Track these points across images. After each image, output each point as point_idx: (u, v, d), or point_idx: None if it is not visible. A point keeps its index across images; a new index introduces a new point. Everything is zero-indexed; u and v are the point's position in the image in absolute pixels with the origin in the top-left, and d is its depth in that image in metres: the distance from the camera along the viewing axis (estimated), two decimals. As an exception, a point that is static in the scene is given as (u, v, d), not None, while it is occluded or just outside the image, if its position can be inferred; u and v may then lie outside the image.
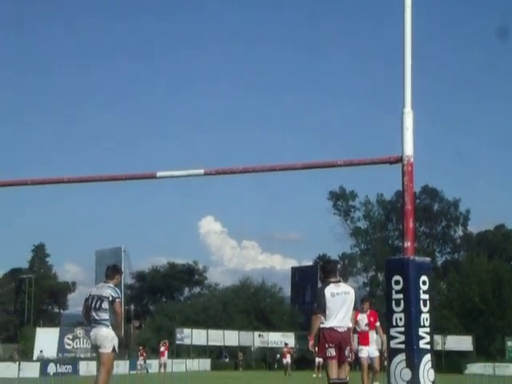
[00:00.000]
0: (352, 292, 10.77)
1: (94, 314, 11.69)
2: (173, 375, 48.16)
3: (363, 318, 17.09)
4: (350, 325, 10.67)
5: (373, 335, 17.51)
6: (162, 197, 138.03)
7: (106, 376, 11.64)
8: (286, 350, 51.73)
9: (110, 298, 11.62)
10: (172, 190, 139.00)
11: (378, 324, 17.47)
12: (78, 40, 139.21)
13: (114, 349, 11.66)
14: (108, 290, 11.73)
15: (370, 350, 17.29)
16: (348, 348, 10.73)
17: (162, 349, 52.00)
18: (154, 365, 57.10)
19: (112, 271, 12.24)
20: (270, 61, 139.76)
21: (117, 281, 12.12)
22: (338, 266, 11.84)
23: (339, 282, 10.77)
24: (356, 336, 17.07)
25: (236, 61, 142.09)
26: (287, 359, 49.71)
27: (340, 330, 10.48)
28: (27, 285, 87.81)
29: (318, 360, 40.37)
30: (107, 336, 11.60)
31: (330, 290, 10.52)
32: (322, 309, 10.49)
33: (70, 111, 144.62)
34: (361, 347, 17.18)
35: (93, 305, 11.70)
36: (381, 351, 17.31)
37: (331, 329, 10.45)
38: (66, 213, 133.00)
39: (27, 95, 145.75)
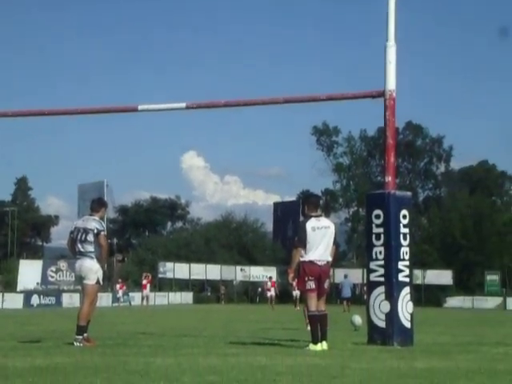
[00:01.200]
0: (332, 227, 10.81)
1: (79, 245, 11.71)
2: (155, 308, 48.60)
3: None
4: (330, 259, 10.69)
5: None
6: (144, 131, 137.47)
7: (89, 307, 11.71)
8: (270, 283, 51.78)
9: (95, 231, 11.64)
10: (154, 124, 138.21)
11: None
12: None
13: (98, 281, 11.70)
14: (93, 223, 11.74)
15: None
16: (327, 281, 10.82)
17: (144, 282, 52.48)
18: (136, 297, 57.58)
19: (97, 204, 12.24)
20: None
21: (102, 214, 12.12)
22: (320, 201, 11.84)
23: (320, 216, 10.80)
24: None
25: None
26: (271, 292, 49.93)
27: (320, 263, 10.54)
28: (10, 217, 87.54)
29: (296, 293, 40.78)
30: (91, 268, 11.63)
31: (311, 224, 10.55)
32: (302, 242, 10.54)
33: (53, 44, 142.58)
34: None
35: (78, 237, 11.71)
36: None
37: (311, 262, 10.50)
38: (48, 146, 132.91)
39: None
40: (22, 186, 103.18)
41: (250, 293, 73.10)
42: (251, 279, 73.39)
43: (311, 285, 10.54)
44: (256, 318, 27.54)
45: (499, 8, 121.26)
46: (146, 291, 52.50)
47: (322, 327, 10.58)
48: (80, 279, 11.83)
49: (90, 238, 11.64)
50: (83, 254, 11.68)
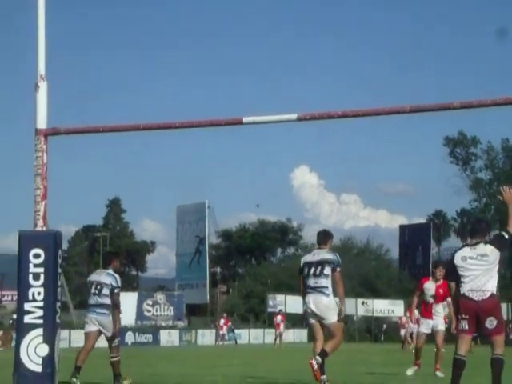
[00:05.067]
0: (492, 252, 10.22)
1: (312, 280, 12.05)
2: (264, 346, 48.73)
3: (431, 288, 16.78)
4: (493, 290, 10.18)
5: (437, 308, 17.13)
6: (249, 145, 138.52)
7: (339, 343, 11.99)
8: (405, 319, 49.81)
9: (332, 266, 11.96)
10: (261, 137, 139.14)
11: (449, 300, 16.11)
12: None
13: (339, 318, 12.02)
14: (330, 256, 12.10)
15: (433, 324, 16.99)
16: (490, 319, 10.16)
17: (279, 319, 52.62)
18: (243, 334, 58.02)
19: (324, 236, 12.59)
20: None
21: (330, 246, 12.42)
22: (478, 226, 11.14)
23: (478, 244, 10.33)
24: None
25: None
26: (406, 329, 47.96)
27: (476, 297, 10.11)
28: (101, 244, 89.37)
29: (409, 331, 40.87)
30: (328, 305, 11.91)
31: (461, 254, 10.30)
32: (452, 276, 10.42)
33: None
34: (422, 320, 17.18)
35: (311, 272, 12.08)
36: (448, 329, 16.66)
37: (464, 296, 10.17)
38: (143, 164, 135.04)
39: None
40: (114, 208, 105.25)
41: (374, 330, 72.56)
42: (374, 314, 72.96)
43: (464, 325, 10.13)
44: (382, 360, 27.28)
45: None
46: (280, 329, 52.58)
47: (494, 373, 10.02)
48: (314, 316, 12.03)
49: (327, 271, 11.94)
50: (317, 290, 12.00)
